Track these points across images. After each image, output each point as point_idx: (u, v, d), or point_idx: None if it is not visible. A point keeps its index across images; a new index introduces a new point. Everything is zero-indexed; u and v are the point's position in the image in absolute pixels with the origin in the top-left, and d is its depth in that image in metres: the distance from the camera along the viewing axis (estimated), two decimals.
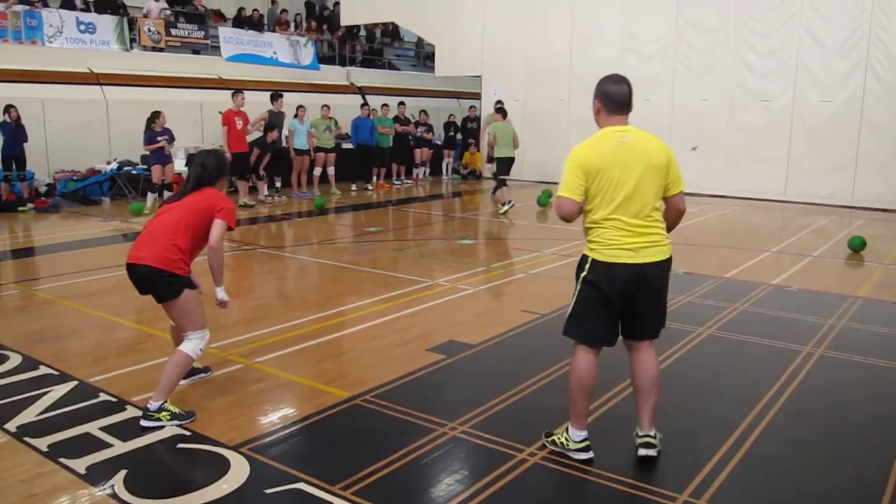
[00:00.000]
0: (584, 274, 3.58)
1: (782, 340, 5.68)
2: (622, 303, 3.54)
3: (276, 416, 4.21)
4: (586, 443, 3.68)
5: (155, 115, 11.91)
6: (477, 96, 19.19)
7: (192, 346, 4.16)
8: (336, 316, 6.38)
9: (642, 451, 3.67)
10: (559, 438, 3.75)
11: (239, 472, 3.50)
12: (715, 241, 10.36)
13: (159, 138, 11.88)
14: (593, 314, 3.57)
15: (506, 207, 12.47)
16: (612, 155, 3.48)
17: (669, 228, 3.65)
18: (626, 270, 3.47)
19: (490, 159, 13.57)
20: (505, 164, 12.66)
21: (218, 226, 4.18)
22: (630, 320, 3.64)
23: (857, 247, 9.48)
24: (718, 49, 15.30)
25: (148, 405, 4.03)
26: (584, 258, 3.59)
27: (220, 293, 4.34)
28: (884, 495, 3.40)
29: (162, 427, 3.96)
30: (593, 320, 3.58)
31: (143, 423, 3.99)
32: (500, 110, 12.85)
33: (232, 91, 13.12)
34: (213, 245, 4.18)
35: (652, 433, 3.69)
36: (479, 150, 18.81)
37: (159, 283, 4.08)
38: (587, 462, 3.63)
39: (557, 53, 17.25)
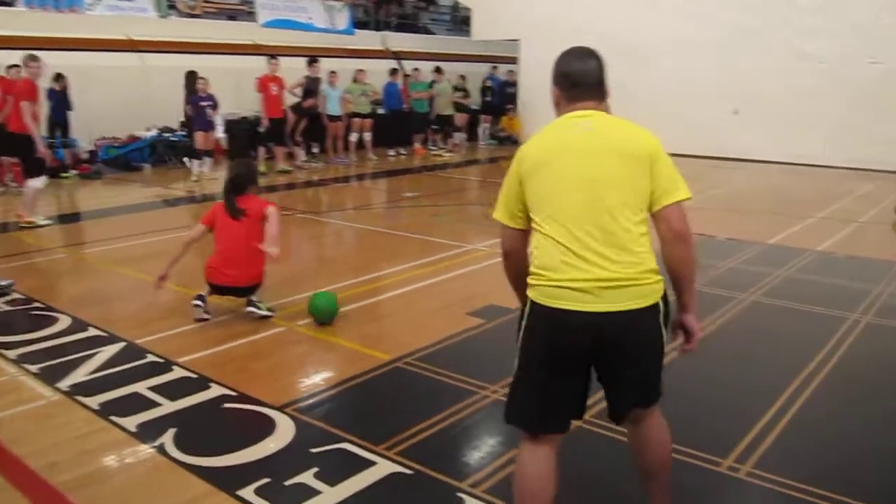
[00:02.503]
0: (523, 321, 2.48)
1: (828, 307, 5.58)
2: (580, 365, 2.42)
3: (319, 378, 4.26)
4: None
5: (192, 75, 11.95)
6: (514, 61, 18.94)
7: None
8: (376, 280, 6.41)
9: None
10: None
11: (285, 431, 3.56)
12: (758, 207, 10.17)
13: (202, 103, 11.94)
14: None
15: None
16: (560, 144, 2.42)
17: (672, 270, 2.46)
18: (578, 320, 2.30)
19: None
20: None
21: (274, 217, 5.13)
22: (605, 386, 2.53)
23: None
24: (765, 10, 14.85)
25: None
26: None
27: (273, 249, 5.11)
28: None
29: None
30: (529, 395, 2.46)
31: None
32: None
33: (267, 56, 13.12)
34: (277, 237, 5.14)
35: None
36: (517, 115, 18.62)
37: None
38: None
39: (602, 17, 16.87)
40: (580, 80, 2.50)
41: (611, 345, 2.34)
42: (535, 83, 18.35)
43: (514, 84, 18.81)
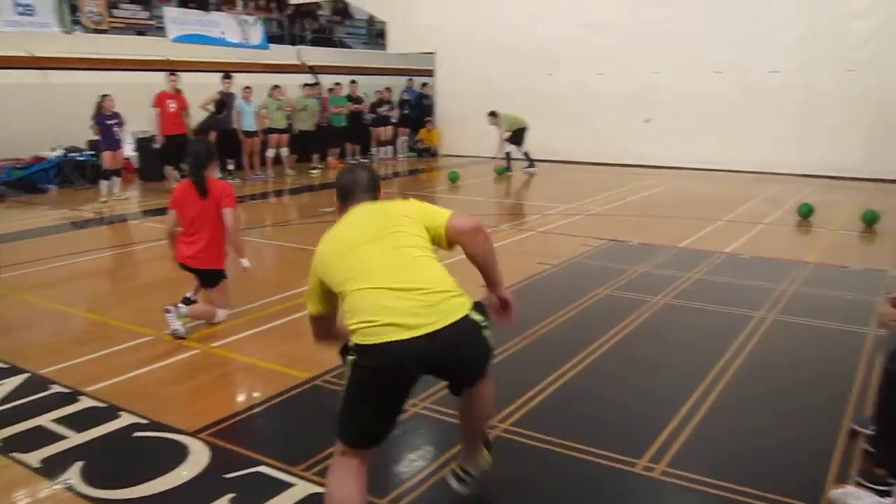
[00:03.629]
0: None
1: (736, 307, 5.79)
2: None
3: (235, 401, 4.17)
4: None
5: (103, 99, 11.59)
6: (430, 73, 19.08)
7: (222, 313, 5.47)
8: (294, 297, 6.30)
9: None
10: None
11: (199, 458, 3.46)
12: (669, 212, 10.49)
13: (108, 122, 11.56)
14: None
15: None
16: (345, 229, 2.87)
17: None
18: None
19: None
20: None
21: (229, 214, 5.27)
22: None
23: (805, 214, 9.69)
24: (667, 21, 15.41)
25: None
26: None
27: (245, 262, 5.49)
28: (835, 449, 3.52)
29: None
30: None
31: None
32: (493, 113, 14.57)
33: (167, 72, 12.79)
34: (233, 230, 5.37)
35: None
36: (435, 127, 18.73)
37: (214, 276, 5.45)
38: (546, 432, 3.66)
39: (511, 28, 17.20)
40: (344, 188, 3.05)
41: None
42: (451, 94, 18.55)
43: (430, 96, 18.94)
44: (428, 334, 2.47)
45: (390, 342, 2.46)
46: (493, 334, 2.72)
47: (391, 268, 2.62)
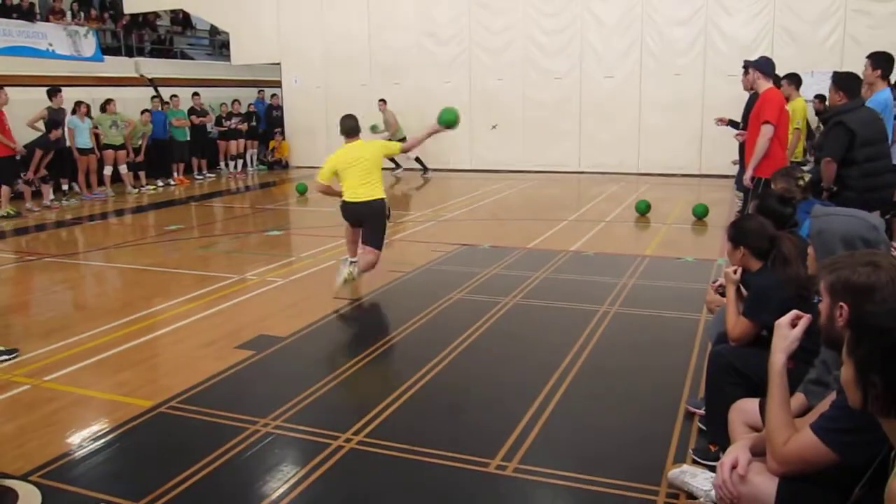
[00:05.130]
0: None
1: (581, 302, 6.05)
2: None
3: (71, 437, 3.89)
4: None
5: None
6: (278, 84, 18.74)
7: None
8: (137, 322, 5.98)
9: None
10: None
11: (29, 502, 3.20)
12: (517, 215, 10.82)
13: None
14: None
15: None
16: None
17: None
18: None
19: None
20: None
21: None
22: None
23: (642, 210, 10.28)
24: (509, 30, 15.93)
25: None
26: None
27: None
28: (674, 429, 3.74)
29: None
30: None
31: None
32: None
33: None
34: None
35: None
36: (284, 139, 18.41)
37: None
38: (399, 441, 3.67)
39: (356, 38, 17.19)
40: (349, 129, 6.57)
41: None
42: (299, 105, 18.28)
43: (279, 108, 18.61)
44: (362, 202, 6.32)
45: (349, 202, 6.39)
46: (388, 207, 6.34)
47: (359, 176, 6.35)
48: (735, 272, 3.47)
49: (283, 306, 6.24)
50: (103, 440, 3.81)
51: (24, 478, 3.41)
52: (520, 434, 3.73)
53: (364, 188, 6.33)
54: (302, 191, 13.55)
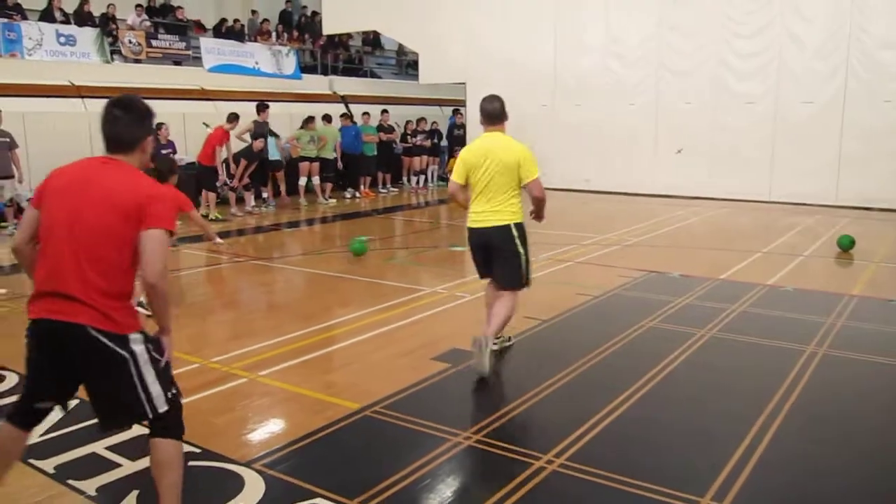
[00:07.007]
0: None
1: (785, 340, 5.69)
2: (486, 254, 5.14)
3: (285, 431, 4.14)
4: None
5: (158, 127, 11.78)
6: (461, 103, 19.18)
7: None
8: (336, 326, 6.30)
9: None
10: None
11: (254, 488, 3.43)
12: (705, 244, 10.39)
13: (163, 151, 11.77)
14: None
15: None
16: (484, 149, 5.04)
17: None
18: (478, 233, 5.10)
19: None
20: None
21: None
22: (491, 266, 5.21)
23: (846, 246, 9.54)
24: (700, 51, 15.41)
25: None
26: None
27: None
28: None
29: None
30: None
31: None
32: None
33: (230, 114, 13.09)
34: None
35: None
36: None
37: None
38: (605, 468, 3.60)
39: (541, 60, 17.29)
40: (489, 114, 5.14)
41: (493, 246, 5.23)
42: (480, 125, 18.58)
43: (461, 126, 19.04)
44: (485, 228, 5.07)
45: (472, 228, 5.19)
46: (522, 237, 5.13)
47: (485, 189, 5.06)
48: None
49: (473, 322, 6.29)
50: (316, 436, 4.02)
51: (247, 465, 3.66)
52: (731, 472, 3.55)
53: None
54: None
